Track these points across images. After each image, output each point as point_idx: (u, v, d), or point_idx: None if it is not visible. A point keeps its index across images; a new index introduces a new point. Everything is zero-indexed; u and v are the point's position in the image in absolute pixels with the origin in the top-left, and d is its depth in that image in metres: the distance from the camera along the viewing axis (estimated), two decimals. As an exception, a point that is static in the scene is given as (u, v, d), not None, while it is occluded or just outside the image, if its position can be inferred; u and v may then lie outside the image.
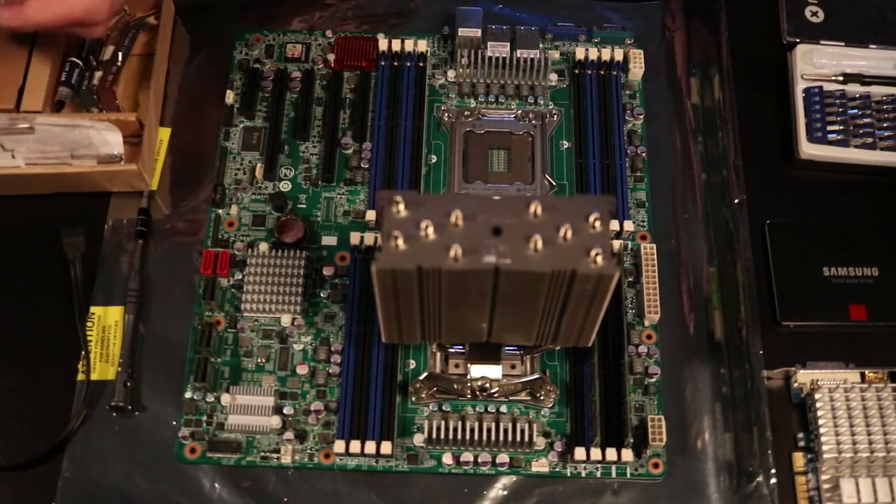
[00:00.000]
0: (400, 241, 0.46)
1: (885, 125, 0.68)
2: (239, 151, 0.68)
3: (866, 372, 0.60)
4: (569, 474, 0.59)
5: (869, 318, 0.63)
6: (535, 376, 0.60)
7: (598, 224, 0.46)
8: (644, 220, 0.66)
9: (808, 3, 0.72)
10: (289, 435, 0.59)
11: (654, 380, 0.61)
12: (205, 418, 0.60)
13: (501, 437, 0.58)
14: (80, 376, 0.61)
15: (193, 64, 0.71)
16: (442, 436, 0.58)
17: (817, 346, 0.62)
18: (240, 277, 0.63)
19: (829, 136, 0.67)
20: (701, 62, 0.71)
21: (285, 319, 0.62)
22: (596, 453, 0.57)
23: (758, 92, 0.70)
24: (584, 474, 0.59)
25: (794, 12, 0.72)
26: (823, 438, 0.58)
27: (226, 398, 0.60)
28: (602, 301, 0.49)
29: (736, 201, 0.66)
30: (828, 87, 0.69)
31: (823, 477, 0.58)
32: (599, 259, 0.46)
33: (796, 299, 0.63)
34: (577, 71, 0.69)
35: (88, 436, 0.59)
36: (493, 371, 0.59)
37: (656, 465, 0.59)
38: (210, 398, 0.60)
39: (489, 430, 0.58)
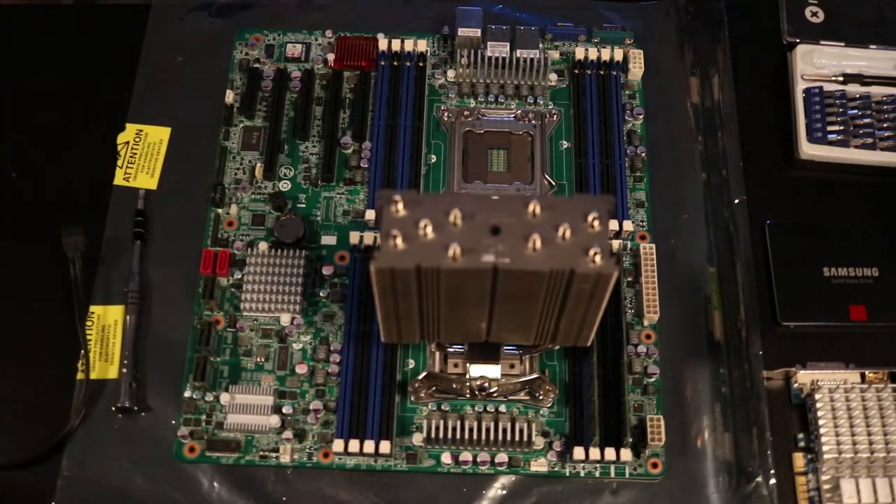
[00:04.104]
0: (399, 241, 0.46)
1: (885, 125, 0.68)
2: (239, 151, 0.68)
3: (866, 372, 0.60)
4: (567, 474, 0.59)
5: (869, 318, 0.63)
6: (534, 376, 0.60)
7: (596, 224, 0.46)
8: (643, 220, 0.66)
9: (808, 3, 0.72)
10: (288, 434, 0.59)
11: (653, 380, 0.61)
12: (204, 417, 0.60)
13: (500, 437, 0.58)
14: (80, 375, 0.61)
15: (193, 64, 0.71)
16: (441, 435, 0.58)
17: (817, 347, 0.62)
18: (239, 277, 0.63)
19: (829, 136, 0.67)
20: (701, 62, 0.71)
21: (284, 319, 0.62)
22: (595, 453, 0.57)
23: (758, 92, 0.70)
24: (582, 474, 0.59)
25: (794, 12, 0.72)
26: (823, 439, 0.58)
27: (225, 397, 0.60)
28: (601, 301, 0.49)
29: (736, 201, 0.66)
30: (828, 87, 0.69)
31: (823, 477, 0.58)
32: (598, 258, 0.46)
33: (796, 299, 0.63)
34: (576, 71, 0.69)
35: (88, 435, 0.60)
36: (492, 370, 0.59)
37: (655, 465, 0.59)
38: (209, 397, 0.60)
39: (488, 430, 0.58)
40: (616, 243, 0.63)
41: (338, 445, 0.58)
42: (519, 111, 0.69)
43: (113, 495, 0.58)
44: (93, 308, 0.63)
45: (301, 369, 0.61)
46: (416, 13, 0.73)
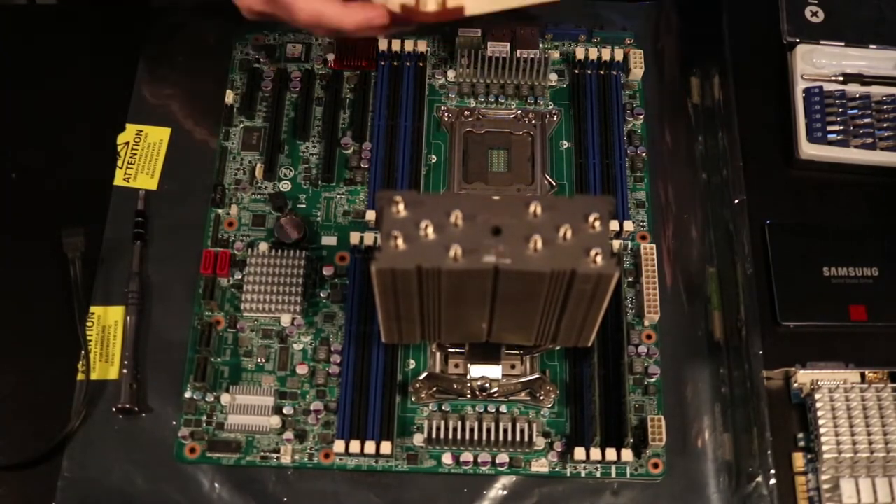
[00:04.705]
0: (399, 241, 0.46)
1: (885, 125, 0.68)
2: (239, 151, 0.68)
3: (866, 372, 0.60)
4: (568, 474, 0.59)
5: (869, 318, 0.63)
6: (535, 376, 0.60)
7: (597, 224, 0.46)
8: (644, 220, 0.66)
9: (808, 3, 0.72)
10: (288, 435, 0.59)
11: (653, 380, 0.61)
12: (204, 418, 0.60)
13: (501, 437, 0.58)
14: (80, 376, 0.61)
15: (193, 64, 0.71)
16: (441, 436, 0.58)
17: (817, 346, 0.62)
18: (239, 277, 0.63)
19: (829, 136, 0.67)
20: (701, 62, 0.71)
21: (285, 319, 0.62)
22: (595, 453, 0.57)
23: (758, 92, 0.70)
24: (583, 474, 0.59)
25: (794, 12, 0.72)
26: (823, 439, 0.58)
27: (225, 398, 0.60)
28: (602, 301, 0.49)
29: (736, 201, 0.66)
30: (828, 87, 0.69)
31: (823, 477, 0.58)
32: (599, 259, 0.46)
33: (796, 299, 0.63)
34: (577, 71, 0.69)
35: (88, 436, 0.59)
36: (493, 371, 0.59)
37: (656, 466, 0.59)
38: (210, 398, 0.60)
39: (489, 430, 0.58)
40: (616, 243, 0.63)
41: (338, 446, 0.58)
42: (519, 111, 0.69)
43: (113, 496, 0.58)
44: (93, 309, 0.63)
45: (301, 370, 0.61)
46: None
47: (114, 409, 0.60)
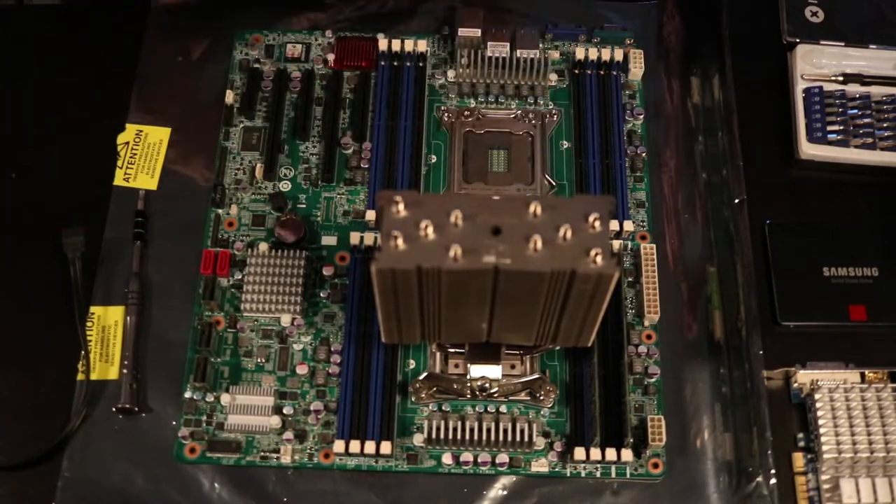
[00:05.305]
0: (399, 241, 0.46)
1: (885, 125, 0.68)
2: (239, 151, 0.68)
3: (866, 372, 0.60)
4: (568, 474, 0.59)
5: (869, 318, 0.63)
6: (535, 376, 0.60)
7: (597, 224, 0.46)
8: (644, 220, 0.66)
9: (808, 3, 0.72)
10: (288, 435, 0.59)
11: (653, 380, 0.61)
12: (204, 418, 0.60)
13: (501, 437, 0.58)
14: (80, 376, 0.61)
15: (193, 64, 0.71)
16: (441, 436, 0.58)
17: (817, 346, 0.62)
18: (239, 277, 0.63)
19: (829, 136, 0.67)
20: (701, 62, 0.71)
21: (285, 319, 0.62)
22: (595, 453, 0.57)
23: (758, 92, 0.70)
24: (583, 474, 0.59)
25: (794, 12, 0.72)
26: (823, 439, 0.58)
27: (225, 398, 0.60)
28: (602, 301, 0.49)
29: (736, 201, 0.66)
30: (828, 87, 0.69)
31: (823, 477, 0.58)
32: (599, 259, 0.46)
33: (796, 299, 0.63)
34: (576, 71, 0.69)
35: (88, 436, 0.59)
36: (493, 371, 0.59)
37: (656, 466, 0.59)
38: (210, 398, 0.60)
39: (489, 430, 0.58)
40: (616, 243, 0.64)
41: (338, 446, 0.58)
42: (519, 111, 0.69)
43: (113, 496, 0.58)
44: (93, 309, 0.63)
45: (301, 370, 0.61)
46: (416, 13, 0.73)
47: (114, 409, 0.60)
